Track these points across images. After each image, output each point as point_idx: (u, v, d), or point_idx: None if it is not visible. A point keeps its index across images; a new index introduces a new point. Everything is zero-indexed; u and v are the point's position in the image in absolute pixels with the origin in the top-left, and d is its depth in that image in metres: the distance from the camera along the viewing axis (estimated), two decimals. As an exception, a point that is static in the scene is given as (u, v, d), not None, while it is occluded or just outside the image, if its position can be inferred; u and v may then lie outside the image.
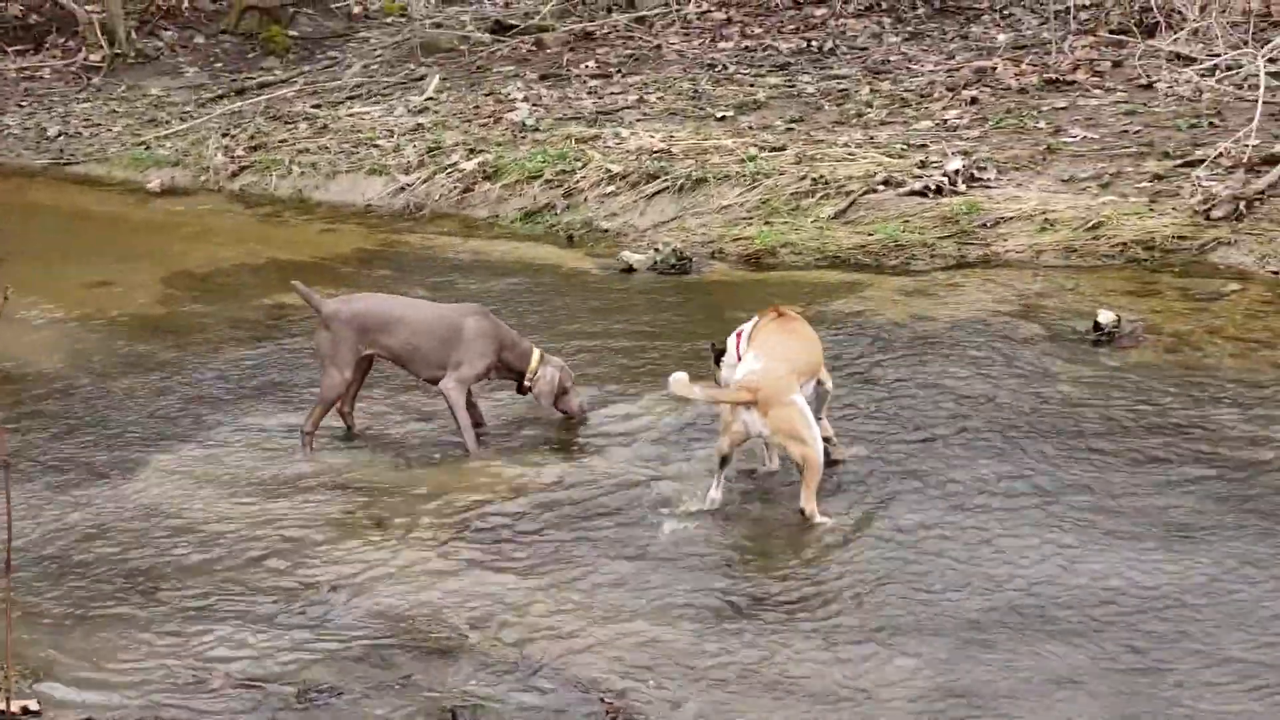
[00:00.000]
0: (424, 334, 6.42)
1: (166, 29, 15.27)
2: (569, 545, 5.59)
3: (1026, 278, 8.21)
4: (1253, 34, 10.91)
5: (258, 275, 9.36)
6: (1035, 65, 11.70)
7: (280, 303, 8.62)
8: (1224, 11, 11.28)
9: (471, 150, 10.87)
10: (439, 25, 14.47)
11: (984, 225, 8.86)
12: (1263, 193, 8.56)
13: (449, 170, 10.67)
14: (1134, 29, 11.94)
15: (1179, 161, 9.33)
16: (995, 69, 11.68)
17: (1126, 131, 10.11)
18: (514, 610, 5.15)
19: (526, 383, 6.57)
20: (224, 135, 12.01)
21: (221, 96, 13.33)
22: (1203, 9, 11.40)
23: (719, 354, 6.23)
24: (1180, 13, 11.79)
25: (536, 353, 6.58)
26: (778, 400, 5.63)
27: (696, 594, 5.23)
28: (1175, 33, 11.40)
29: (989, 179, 9.47)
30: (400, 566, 5.49)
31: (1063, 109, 10.73)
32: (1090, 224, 8.63)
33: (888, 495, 5.84)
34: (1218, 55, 10.48)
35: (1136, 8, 12.37)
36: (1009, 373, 6.89)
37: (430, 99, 12.29)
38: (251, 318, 8.46)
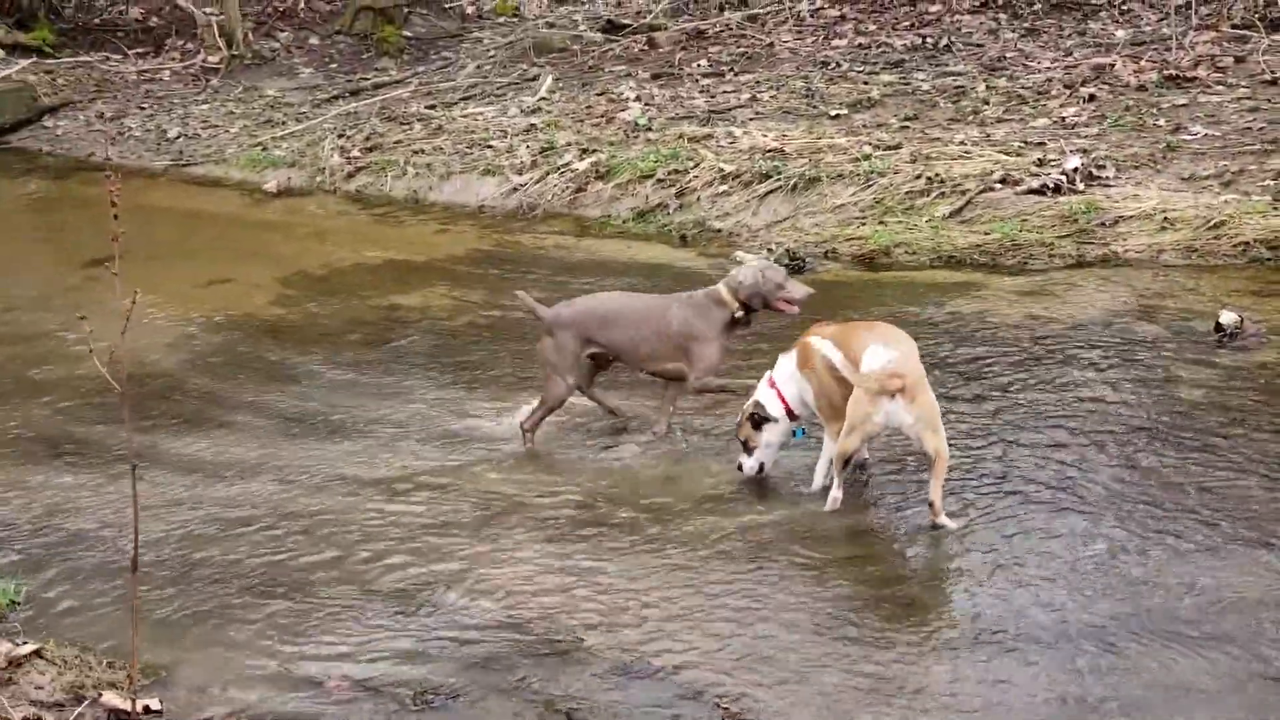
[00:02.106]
0: (642, 327, 6.46)
1: (283, 30, 15.53)
2: (682, 548, 5.59)
3: (1146, 278, 8.09)
4: (1383, 27, 10.64)
5: (374, 275, 9.47)
6: (1154, 62, 11.49)
7: (395, 304, 8.73)
8: (1353, 4, 11.00)
9: (584, 150, 10.92)
10: (551, 25, 14.56)
11: (1103, 224, 8.73)
12: (1393, 191, 8.35)
13: (562, 170, 10.73)
14: (1258, 24, 11.68)
15: (1305, 159, 9.13)
16: (1114, 66, 11.49)
17: (1249, 129, 9.90)
18: (630, 613, 5.15)
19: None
20: (339, 136, 12.18)
21: (337, 97, 13.52)
22: (1331, 2, 11.13)
23: (760, 420, 6.00)
24: (1308, 7, 11.53)
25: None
26: (924, 387, 5.52)
27: (812, 600, 5.20)
28: (1301, 27, 11.14)
29: (1108, 177, 9.33)
30: (517, 567, 5.52)
31: (1183, 106, 10.53)
32: (1211, 223, 8.46)
33: (1006, 498, 5.76)
34: (1348, 48, 10.22)
35: (1261, 2, 12.09)
36: (1129, 375, 6.78)
37: (543, 99, 12.37)
38: (369, 318, 8.56)
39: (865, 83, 11.90)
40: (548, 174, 10.75)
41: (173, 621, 5.28)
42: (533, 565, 5.53)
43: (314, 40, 15.30)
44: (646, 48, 13.56)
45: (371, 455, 6.59)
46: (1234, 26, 12.02)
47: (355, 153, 11.82)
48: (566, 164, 10.75)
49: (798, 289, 6.46)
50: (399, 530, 5.85)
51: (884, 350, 5.59)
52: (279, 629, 5.20)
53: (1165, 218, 8.65)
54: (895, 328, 5.90)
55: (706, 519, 5.79)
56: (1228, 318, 7.14)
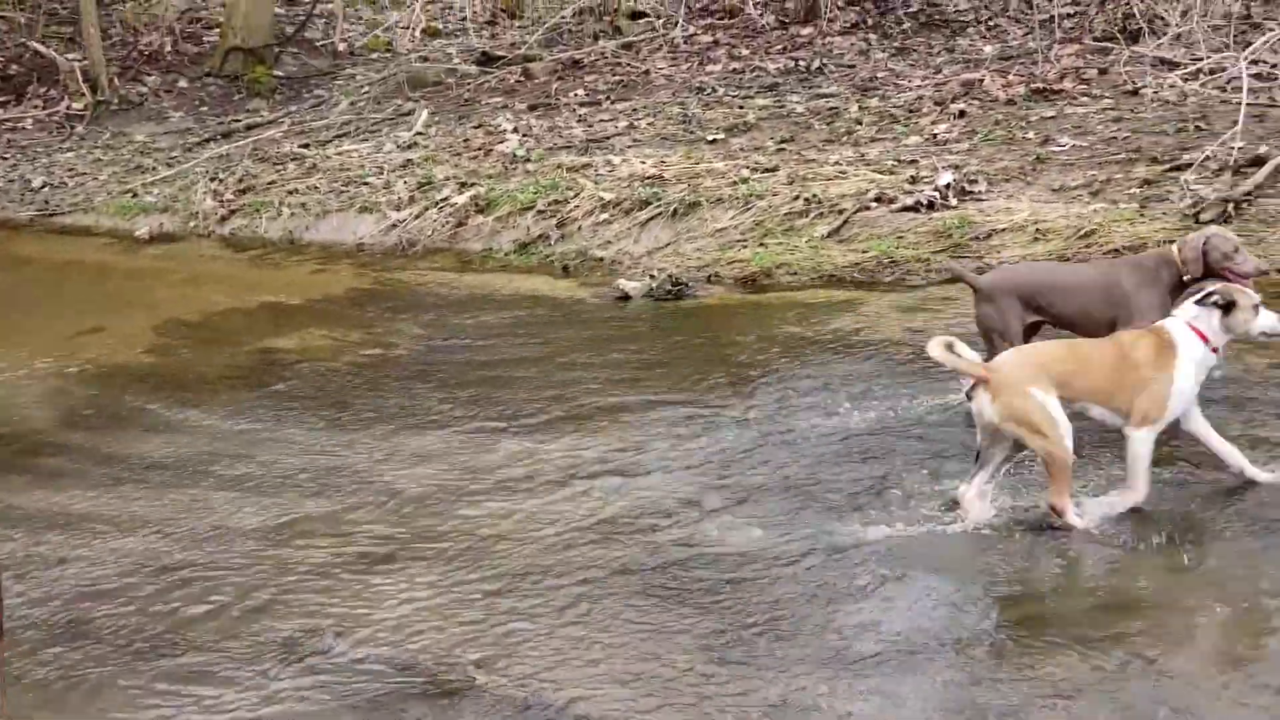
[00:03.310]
0: (1091, 292, 6.35)
1: (149, 74, 15.26)
2: (572, 580, 5.53)
3: (1022, 289, 8.19)
4: (1234, 37, 10.91)
5: (251, 319, 9.32)
6: (1022, 76, 11.71)
7: (273, 347, 8.59)
8: (1205, 16, 11.27)
9: (463, 184, 10.86)
10: (425, 59, 14.49)
11: (977, 238, 8.85)
12: (1250, 194, 8.56)
13: (440, 205, 10.65)
14: (1118, 36, 11.95)
15: (1167, 166, 9.33)
16: (982, 81, 11.68)
17: (1115, 138, 10.10)
18: (521, 649, 5.09)
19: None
20: (212, 179, 11.99)
21: (208, 140, 13.32)
22: (1184, 14, 11.41)
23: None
24: (1163, 18, 11.80)
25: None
26: (1012, 387, 5.45)
27: (705, 626, 5.16)
28: (1158, 38, 11.40)
29: (980, 192, 9.47)
30: (404, 608, 5.43)
31: (1051, 118, 10.73)
32: (1082, 232, 8.62)
33: (899, 510, 5.79)
34: (1201, 59, 10.48)
35: (1120, 15, 12.37)
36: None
37: (419, 134, 12.28)
38: (246, 363, 8.41)
39: (740, 107, 11.99)
40: (426, 209, 10.67)
41: (48, 685, 5.10)
42: (420, 606, 5.44)
43: (183, 83, 15.06)
44: (522, 79, 13.55)
45: (251, 502, 6.45)
46: (1096, 39, 12.28)
47: (228, 195, 11.65)
48: (445, 198, 10.68)
49: (1247, 261, 6.34)
50: (282, 578, 5.73)
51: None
52: (160, 687, 5.05)
53: (1037, 229, 8.79)
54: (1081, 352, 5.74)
55: (596, 550, 5.73)
56: (1104, 323, 7.25)
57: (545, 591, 5.47)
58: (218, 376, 8.22)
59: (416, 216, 10.66)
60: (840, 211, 9.45)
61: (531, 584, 5.53)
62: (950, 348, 5.53)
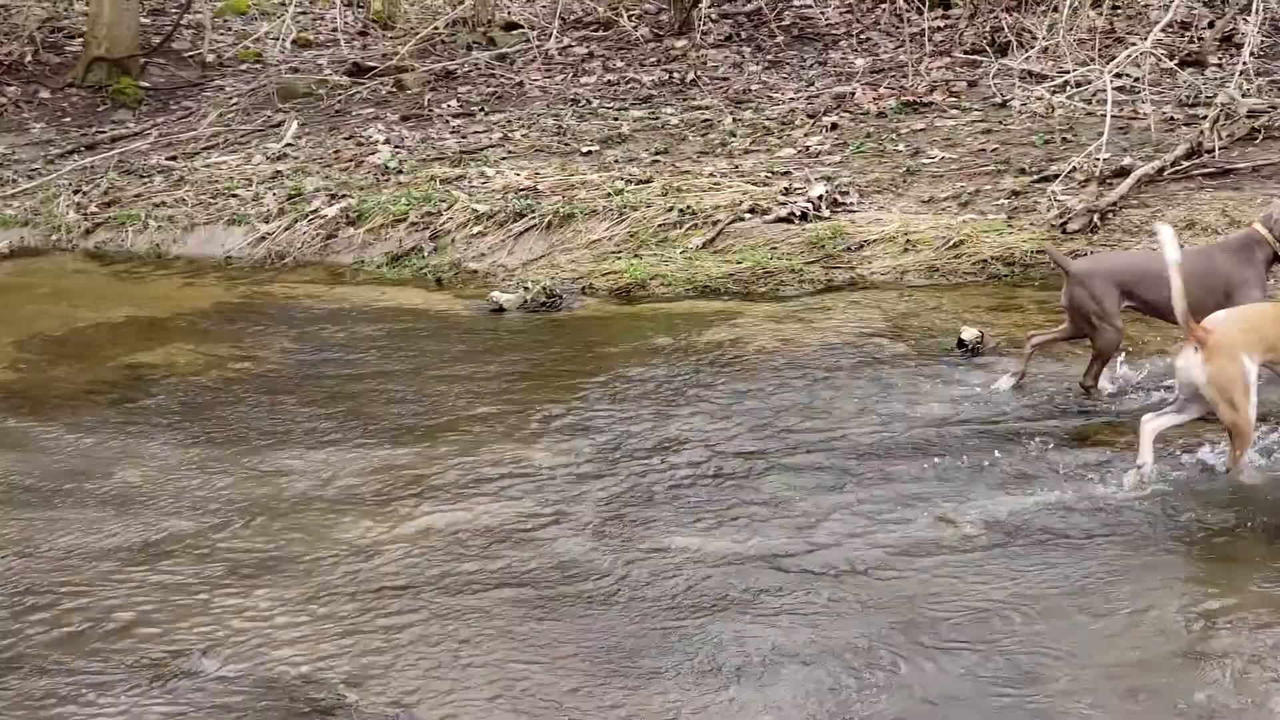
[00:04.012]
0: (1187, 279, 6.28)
1: (9, 85, 14.84)
2: (444, 594, 5.47)
3: (892, 298, 8.31)
4: (1099, 51, 11.16)
5: (116, 333, 9.08)
6: (893, 89, 11.86)
7: (139, 362, 8.38)
8: (1071, 30, 11.51)
9: (333, 195, 10.71)
10: (295, 70, 14.27)
11: (849, 249, 8.94)
12: (1115, 205, 8.76)
13: (310, 217, 10.49)
14: (987, 49, 12.16)
15: (1035, 177, 9.51)
16: (854, 94, 11.81)
17: (984, 150, 10.28)
18: (394, 666, 5.01)
19: None
20: (75, 192, 11.69)
21: (71, 152, 12.97)
22: (1051, 28, 11.64)
23: None
24: (1030, 32, 12.03)
25: None
26: (1226, 351, 5.52)
27: (579, 639, 5.12)
28: (1026, 51, 11.61)
29: (852, 203, 9.57)
30: (274, 626, 5.32)
31: (921, 130, 10.88)
32: (951, 242, 8.74)
33: (765, 521, 5.80)
34: (1067, 72, 10.70)
35: (988, 28, 12.59)
36: (879, 393, 6.93)
37: (289, 145, 12.09)
38: (111, 379, 8.19)
39: (615, 119, 11.99)
40: (296, 221, 10.50)
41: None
42: (289, 623, 5.33)
43: (45, 94, 14.64)
44: (394, 90, 13.40)
45: (112, 521, 6.27)
46: (965, 52, 12.49)
47: (93, 208, 11.36)
48: (315, 210, 10.52)
49: None
50: (146, 597, 5.58)
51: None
52: (18, 715, 4.89)
53: (908, 240, 8.91)
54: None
55: (469, 564, 5.67)
56: (969, 334, 7.37)
57: (417, 607, 5.40)
58: (80, 392, 7.99)
59: (286, 229, 10.48)
60: (714, 223, 9.49)
61: (404, 600, 5.45)
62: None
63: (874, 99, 11.66)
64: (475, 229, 9.94)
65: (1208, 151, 9.31)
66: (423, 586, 5.52)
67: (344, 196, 10.63)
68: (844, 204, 9.56)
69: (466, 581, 5.55)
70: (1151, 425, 5.78)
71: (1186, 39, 11.81)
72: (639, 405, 7.07)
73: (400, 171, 11.07)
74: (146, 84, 14.51)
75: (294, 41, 14.97)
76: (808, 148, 10.80)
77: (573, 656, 5.02)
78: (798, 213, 9.40)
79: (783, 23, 14.00)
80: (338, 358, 8.22)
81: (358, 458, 6.72)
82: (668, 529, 5.79)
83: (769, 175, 10.23)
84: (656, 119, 11.89)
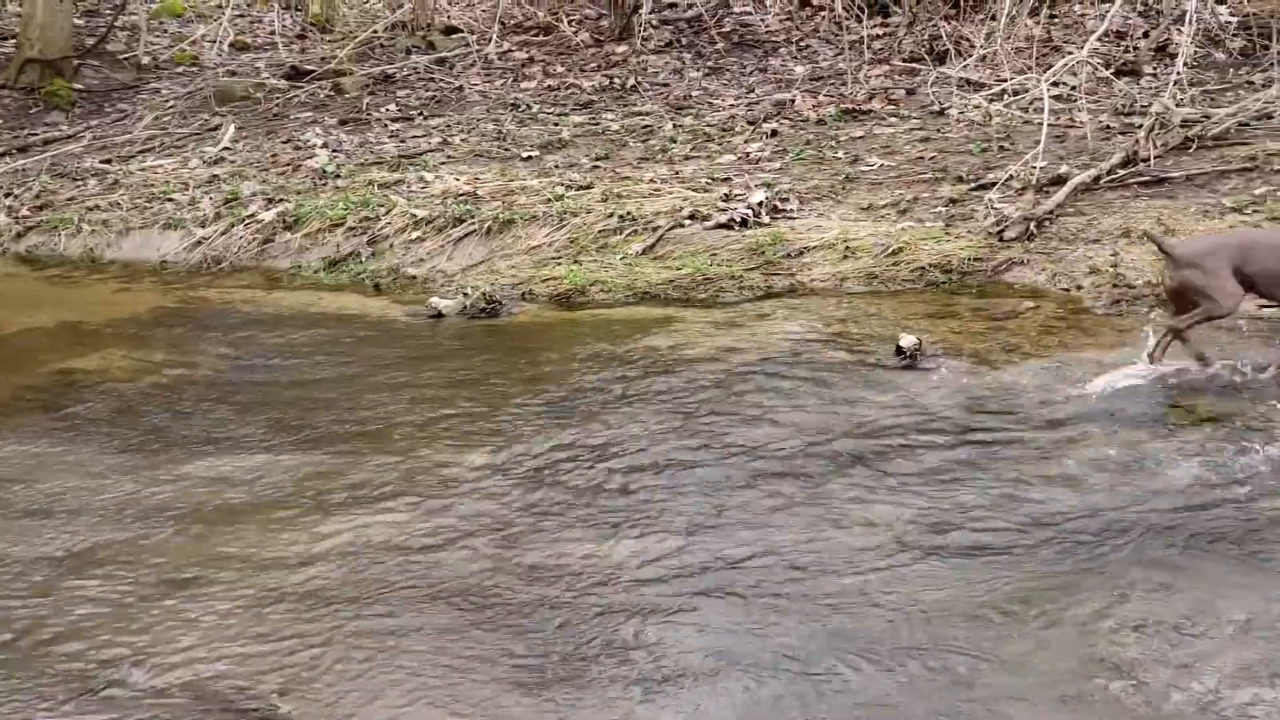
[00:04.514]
0: None
1: (-61, 86, 14.65)
2: (378, 604, 5.41)
3: (831, 305, 8.32)
4: (1036, 59, 11.25)
5: (49, 339, 8.96)
6: (832, 96, 11.90)
7: (72, 368, 8.26)
8: (1009, 38, 11.60)
9: (270, 200, 10.62)
10: (233, 74, 14.15)
11: (788, 255, 8.95)
12: (1051, 213, 8.81)
13: (247, 221, 10.39)
14: (926, 57, 12.23)
15: (972, 185, 9.55)
16: (794, 101, 11.84)
17: (922, 158, 10.32)
18: (326, 676, 4.95)
19: None
20: (6, 195, 11.53)
21: (3, 154, 12.80)
22: (989, 36, 11.73)
23: None
24: (969, 40, 12.12)
25: None
26: None
27: (507, 648, 5.09)
28: (964, 60, 11.69)
29: (791, 210, 9.58)
30: (206, 637, 5.25)
31: (860, 138, 10.92)
32: (890, 250, 8.77)
33: (705, 529, 5.79)
34: (1005, 80, 10.77)
35: (927, 36, 12.67)
36: (817, 400, 6.94)
37: (226, 149, 11.99)
38: (43, 385, 8.07)
39: (556, 124, 11.96)
40: (233, 225, 10.40)
41: None
42: (221, 633, 5.26)
43: (-24, 95, 14.48)
44: (333, 94, 13.32)
45: (41, 530, 6.17)
46: (904, 60, 12.56)
47: (24, 212, 11.21)
48: (252, 215, 10.43)
49: None
50: (74, 608, 5.49)
51: None
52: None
53: (847, 247, 8.93)
54: None
55: (405, 572, 5.61)
56: (907, 341, 7.39)
57: (352, 616, 5.35)
58: (10, 399, 7.87)
59: (223, 233, 10.38)
60: (655, 229, 9.48)
61: (337, 608, 5.39)
62: None
63: (814, 106, 11.69)
64: (414, 234, 9.88)
65: (1143, 160, 9.39)
66: (355, 595, 5.46)
67: (281, 201, 10.55)
68: (784, 211, 9.58)
69: (398, 590, 5.50)
70: None
71: (1122, 48, 11.93)
72: (576, 412, 7.04)
73: (338, 176, 10.99)
74: (80, 86, 14.35)
75: (231, 44, 14.86)
76: (748, 154, 10.81)
77: (505, 666, 4.98)
78: (738, 219, 9.40)
79: (723, 29, 14.04)
80: (273, 364, 8.14)
81: (291, 465, 6.65)
82: (600, 537, 5.76)
83: (709, 181, 10.24)
84: (597, 125, 11.87)
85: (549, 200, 10.00)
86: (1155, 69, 11.46)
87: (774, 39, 13.88)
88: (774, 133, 11.21)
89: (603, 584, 5.41)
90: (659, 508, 5.95)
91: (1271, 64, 10.46)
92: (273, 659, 5.08)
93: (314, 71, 13.70)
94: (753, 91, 12.42)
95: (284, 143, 12.03)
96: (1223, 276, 6.68)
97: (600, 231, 9.59)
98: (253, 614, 5.39)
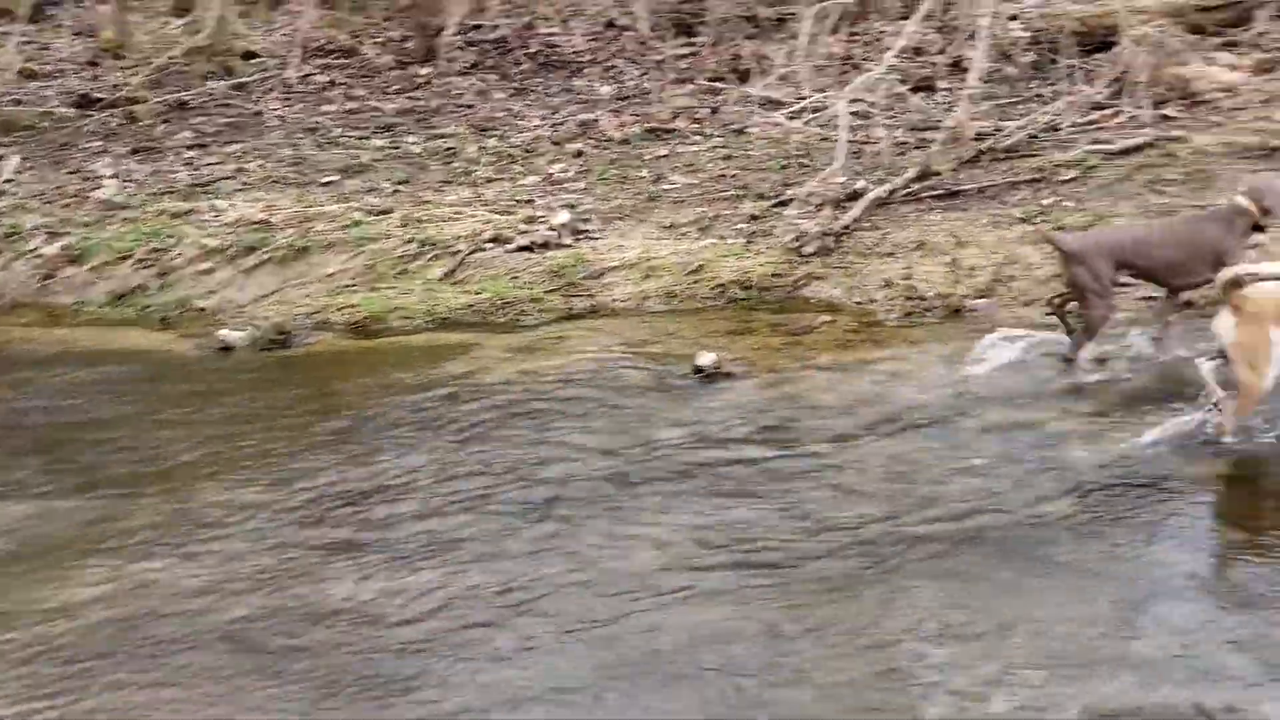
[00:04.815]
0: (1182, 247, 6.79)
1: None
2: (174, 646, 5.16)
3: (632, 325, 8.25)
4: (837, 77, 11.34)
5: None
6: (637, 116, 11.85)
7: None
8: (809, 57, 11.68)
9: (54, 233, 10.17)
10: (19, 102, 13.58)
11: (590, 276, 8.86)
12: (848, 228, 8.86)
13: (28, 256, 9.95)
14: (728, 76, 12.25)
15: (773, 202, 9.56)
16: (598, 121, 11.77)
17: (724, 176, 10.31)
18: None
19: None
20: None
21: None
22: (790, 55, 11.79)
23: None
24: (770, 59, 12.17)
25: None
26: (1257, 319, 5.88)
27: (280, 690, 4.87)
28: (766, 78, 11.73)
29: (594, 230, 9.49)
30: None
31: (664, 157, 10.88)
32: (691, 268, 8.73)
33: (499, 558, 5.64)
34: (805, 98, 10.83)
35: (730, 56, 12.70)
36: (615, 422, 6.85)
37: (8, 181, 11.47)
38: None
39: (356, 148, 11.70)
40: (13, 261, 9.94)
41: None
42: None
43: None
44: (125, 121, 12.86)
45: None
46: (708, 79, 12.56)
47: None
48: (33, 249, 9.98)
49: None
50: None
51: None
52: None
53: (649, 266, 8.87)
54: None
55: (189, 615, 5.39)
56: (705, 359, 7.35)
57: (126, 662, 5.11)
58: None
59: (1, 269, 9.92)
60: (455, 253, 9.31)
61: (103, 659, 5.13)
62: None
63: (618, 126, 11.63)
64: (205, 265, 9.55)
65: (936, 174, 9.50)
66: (121, 645, 5.21)
67: (65, 234, 10.11)
68: (586, 231, 9.48)
69: (176, 635, 5.26)
70: (1208, 365, 6.12)
71: (919, 65, 12.09)
72: (368, 444, 6.85)
73: (128, 207, 10.59)
74: None
75: (19, 72, 14.27)
76: (551, 175, 10.70)
77: (289, 707, 4.79)
78: (539, 241, 9.29)
79: (529, 50, 13.91)
80: (50, 404, 7.78)
81: (65, 511, 6.35)
82: (373, 573, 5.59)
83: (512, 204, 10.10)
84: (398, 148, 11.65)
85: (347, 226, 9.77)
86: (950, 84, 11.63)
87: (580, 59, 13.79)
88: (579, 153, 11.12)
89: (373, 622, 5.23)
90: (439, 540, 5.79)
91: (1060, 78, 10.68)
92: (49, 709, 4.82)
93: (105, 99, 13.22)
94: (558, 112, 12.31)
95: (71, 173, 11.56)
96: (1103, 279, 6.97)
97: (400, 257, 9.40)
98: (14, 671, 5.11)
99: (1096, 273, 6.94)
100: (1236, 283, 6.00)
